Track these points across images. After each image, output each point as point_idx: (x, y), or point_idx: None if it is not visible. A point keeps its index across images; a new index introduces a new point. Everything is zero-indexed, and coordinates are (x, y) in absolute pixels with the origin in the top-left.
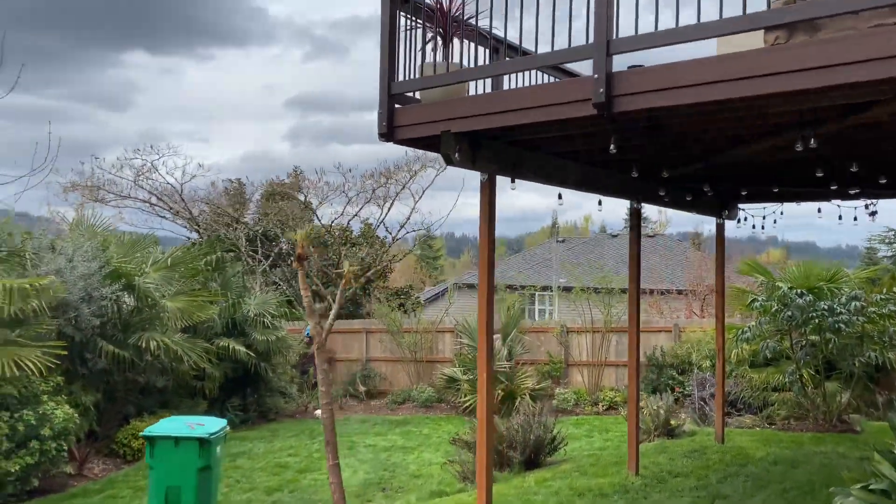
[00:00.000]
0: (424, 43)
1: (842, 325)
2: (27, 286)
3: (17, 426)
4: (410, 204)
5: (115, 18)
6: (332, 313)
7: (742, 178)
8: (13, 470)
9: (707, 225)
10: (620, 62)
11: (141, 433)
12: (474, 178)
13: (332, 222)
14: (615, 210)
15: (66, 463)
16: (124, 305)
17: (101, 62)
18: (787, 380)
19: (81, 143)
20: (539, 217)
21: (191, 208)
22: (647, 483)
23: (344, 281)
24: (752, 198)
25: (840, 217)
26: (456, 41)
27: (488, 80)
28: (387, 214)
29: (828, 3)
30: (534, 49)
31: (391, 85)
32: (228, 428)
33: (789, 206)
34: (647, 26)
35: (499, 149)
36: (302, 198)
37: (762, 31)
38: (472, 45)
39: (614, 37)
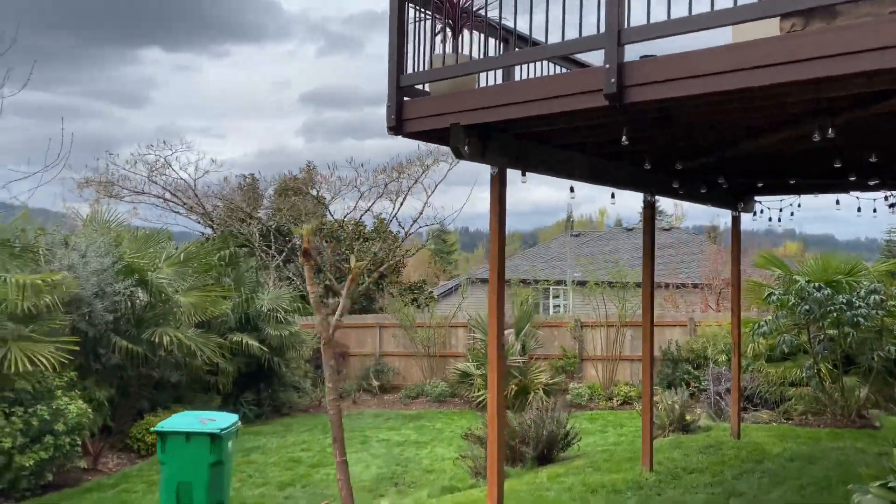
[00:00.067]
0: (433, 35)
1: (860, 319)
2: (40, 282)
3: (32, 421)
4: (423, 198)
5: (130, 16)
6: (339, 309)
7: (758, 169)
8: (27, 464)
9: (723, 218)
10: (632, 52)
11: (153, 429)
12: (487, 172)
13: (345, 217)
14: (630, 204)
15: (80, 458)
16: (137, 301)
17: (117, 60)
18: (804, 374)
19: (98, 140)
20: (553, 211)
21: (204, 204)
22: (661, 479)
23: (351, 276)
24: (769, 190)
25: (859, 209)
26: (465, 33)
27: (499, 73)
28: (399, 209)
29: None
30: (544, 40)
31: (400, 78)
32: (240, 423)
33: (807, 199)
34: (659, 16)
35: (509, 141)
36: (314, 193)
37: (777, 18)
38: (482, 36)
39: (626, 26)
